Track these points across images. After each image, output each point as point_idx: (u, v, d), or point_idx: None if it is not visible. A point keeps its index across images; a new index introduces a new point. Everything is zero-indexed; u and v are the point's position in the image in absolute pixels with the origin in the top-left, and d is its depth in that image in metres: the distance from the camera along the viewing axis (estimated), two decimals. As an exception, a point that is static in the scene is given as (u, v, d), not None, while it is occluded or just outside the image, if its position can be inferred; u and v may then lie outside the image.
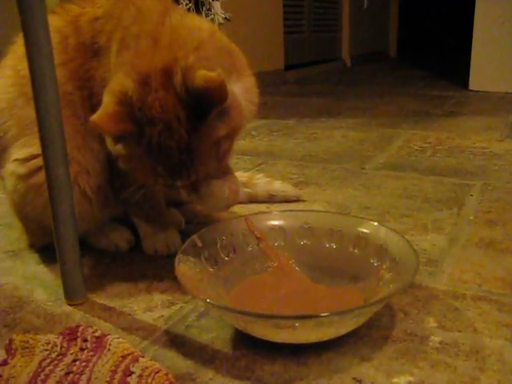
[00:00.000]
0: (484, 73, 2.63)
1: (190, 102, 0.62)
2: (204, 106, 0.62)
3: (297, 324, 0.54)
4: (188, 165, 0.65)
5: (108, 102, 0.64)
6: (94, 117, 0.61)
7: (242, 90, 0.72)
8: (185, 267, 0.64)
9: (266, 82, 2.77)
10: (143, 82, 0.63)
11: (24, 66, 0.65)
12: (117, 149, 0.68)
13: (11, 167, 0.78)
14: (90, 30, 0.76)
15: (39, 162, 0.71)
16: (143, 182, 0.71)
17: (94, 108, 0.75)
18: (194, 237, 0.70)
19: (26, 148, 0.77)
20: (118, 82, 0.65)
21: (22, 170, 0.77)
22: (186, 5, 1.79)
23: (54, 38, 0.68)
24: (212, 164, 0.68)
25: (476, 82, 2.65)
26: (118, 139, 0.66)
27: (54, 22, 0.76)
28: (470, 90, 2.64)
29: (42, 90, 0.63)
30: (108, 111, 0.63)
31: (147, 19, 0.71)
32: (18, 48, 0.78)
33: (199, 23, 0.74)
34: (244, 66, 0.76)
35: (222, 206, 0.79)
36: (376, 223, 0.73)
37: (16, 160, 0.78)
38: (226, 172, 0.77)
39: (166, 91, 0.62)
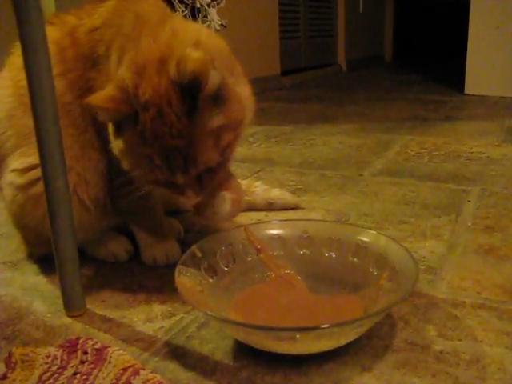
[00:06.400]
0: (480, 77, 2.64)
1: (184, 86, 0.61)
2: (194, 89, 0.61)
3: (298, 336, 0.55)
4: (184, 154, 0.63)
5: (107, 89, 0.65)
6: (89, 98, 0.63)
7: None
8: (185, 278, 0.64)
9: (263, 88, 2.78)
10: (139, 70, 0.64)
11: (23, 77, 0.65)
12: (118, 144, 0.67)
13: (10, 178, 0.78)
14: (88, 41, 0.76)
15: (38, 172, 0.70)
16: (145, 180, 0.69)
17: (93, 118, 0.75)
18: (194, 247, 0.70)
19: (25, 158, 0.77)
20: (118, 74, 0.66)
21: (20, 180, 0.77)
22: (183, 12, 1.79)
23: (52, 49, 0.68)
24: (212, 156, 0.65)
25: (472, 86, 2.66)
26: (118, 129, 0.66)
27: (52, 33, 0.76)
28: (466, 94, 2.65)
29: (40, 103, 0.63)
30: (104, 93, 0.64)
31: (147, 23, 0.72)
32: (16, 59, 0.78)
33: (199, 27, 0.76)
34: (241, 74, 0.76)
35: (225, 219, 0.78)
36: (375, 232, 0.73)
37: (15, 170, 0.78)
38: (227, 178, 0.77)
39: (160, 77, 0.62)
